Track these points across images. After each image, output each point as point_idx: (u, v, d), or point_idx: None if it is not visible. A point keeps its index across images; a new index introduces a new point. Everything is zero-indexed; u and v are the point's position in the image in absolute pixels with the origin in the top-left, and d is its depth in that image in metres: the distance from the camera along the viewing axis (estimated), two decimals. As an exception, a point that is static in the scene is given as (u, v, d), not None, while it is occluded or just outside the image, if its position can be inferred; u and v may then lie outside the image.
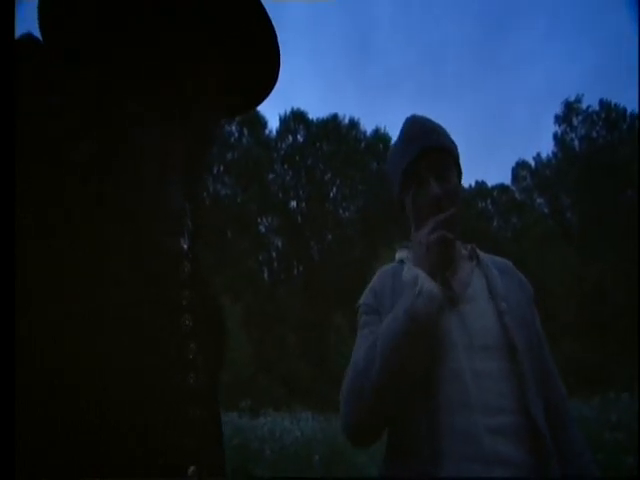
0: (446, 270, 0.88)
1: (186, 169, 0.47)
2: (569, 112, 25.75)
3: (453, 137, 1.01)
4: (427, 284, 0.81)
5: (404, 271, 0.86)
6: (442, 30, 51.22)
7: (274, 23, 0.50)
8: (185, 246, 0.47)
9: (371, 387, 0.79)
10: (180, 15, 0.46)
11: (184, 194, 0.47)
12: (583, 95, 25.73)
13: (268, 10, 0.49)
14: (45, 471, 0.28)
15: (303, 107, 28.65)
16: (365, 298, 0.98)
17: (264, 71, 0.55)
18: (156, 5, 0.44)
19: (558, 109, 26.45)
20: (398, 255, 1.03)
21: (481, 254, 1.00)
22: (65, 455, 0.28)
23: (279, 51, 0.52)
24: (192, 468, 0.38)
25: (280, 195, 27.78)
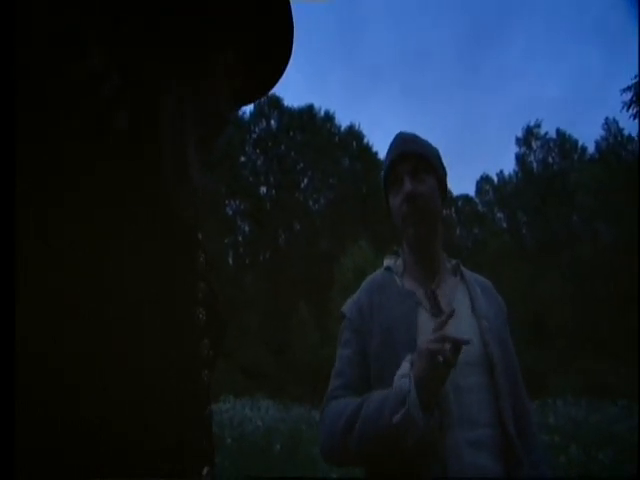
0: (435, 399, 0.81)
1: (200, 152, 0.45)
2: (529, 135, 27.16)
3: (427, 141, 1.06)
4: (412, 410, 0.77)
5: (396, 377, 0.83)
6: (429, 33, 52.05)
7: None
8: (200, 235, 0.45)
9: (353, 448, 0.83)
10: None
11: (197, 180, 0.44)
12: (542, 120, 27.25)
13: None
14: (59, 473, 0.28)
15: (280, 92, 27.96)
16: (349, 311, 0.99)
17: (277, 56, 0.53)
18: None
19: (520, 132, 27.81)
20: (386, 262, 1.07)
21: (464, 270, 1.04)
22: (79, 456, 0.28)
23: (293, 40, 0.51)
24: (206, 469, 0.38)
25: (250, 179, 27.29)
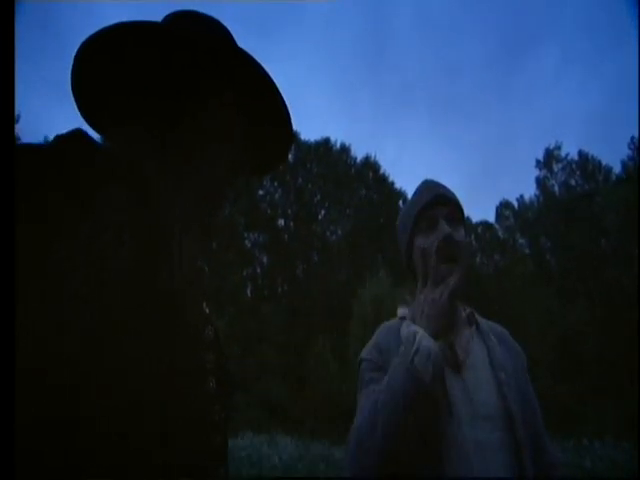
0: (447, 334, 0.86)
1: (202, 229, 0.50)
2: (549, 158, 26.88)
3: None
4: (425, 342, 0.80)
5: (402, 327, 0.85)
6: (456, 53, 52.45)
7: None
8: (207, 310, 0.48)
9: (375, 450, 0.80)
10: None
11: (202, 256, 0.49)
12: (562, 142, 26.97)
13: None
14: None
15: (299, 125, 28.91)
16: (369, 354, 0.98)
17: (277, 149, 0.61)
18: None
19: (540, 154, 27.55)
20: (400, 312, 1.05)
21: (479, 319, 1.03)
22: None
23: (292, 137, 0.59)
24: None
25: (268, 212, 27.75)
